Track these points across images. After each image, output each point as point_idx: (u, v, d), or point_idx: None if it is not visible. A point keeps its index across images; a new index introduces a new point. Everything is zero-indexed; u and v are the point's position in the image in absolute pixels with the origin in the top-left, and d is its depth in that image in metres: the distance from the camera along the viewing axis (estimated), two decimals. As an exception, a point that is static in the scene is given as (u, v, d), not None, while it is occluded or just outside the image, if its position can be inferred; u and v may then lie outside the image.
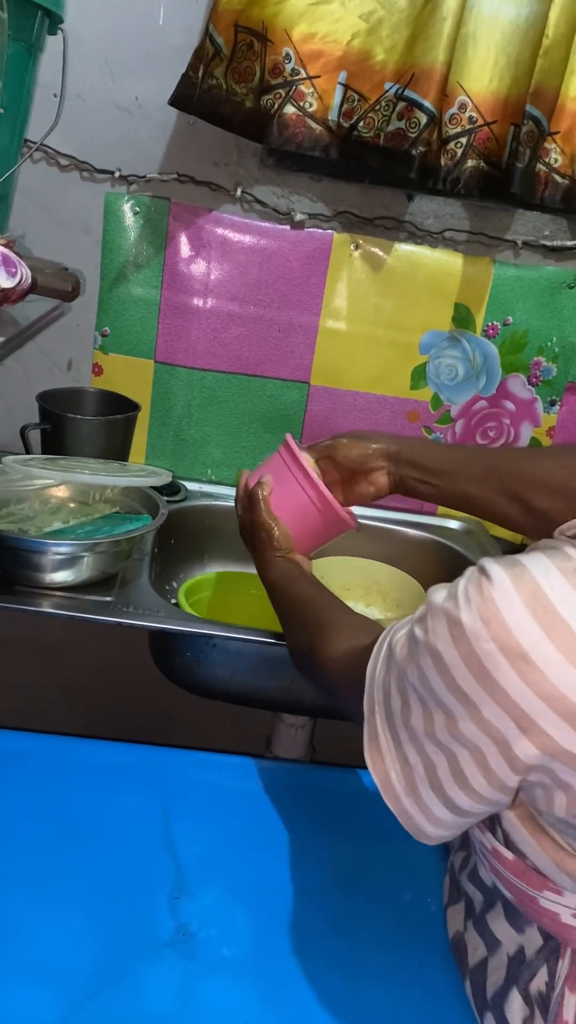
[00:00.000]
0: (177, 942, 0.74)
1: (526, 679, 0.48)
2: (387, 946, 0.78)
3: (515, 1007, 0.67)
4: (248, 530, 0.98)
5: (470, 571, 0.53)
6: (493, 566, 0.51)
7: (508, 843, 0.66)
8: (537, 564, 0.50)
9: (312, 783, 0.98)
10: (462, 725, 0.53)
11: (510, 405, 1.38)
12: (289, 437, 0.98)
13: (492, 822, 0.68)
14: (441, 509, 1.43)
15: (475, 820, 0.60)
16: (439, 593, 0.55)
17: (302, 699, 1.11)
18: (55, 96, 1.19)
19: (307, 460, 0.96)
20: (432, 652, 0.53)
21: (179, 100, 1.12)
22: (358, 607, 1.31)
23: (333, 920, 0.80)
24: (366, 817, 0.93)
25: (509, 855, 0.66)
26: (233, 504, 1.04)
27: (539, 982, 0.67)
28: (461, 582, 0.53)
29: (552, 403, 1.37)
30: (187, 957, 0.73)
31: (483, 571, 0.51)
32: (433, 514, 1.43)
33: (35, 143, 1.17)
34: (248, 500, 0.98)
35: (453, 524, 1.43)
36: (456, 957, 0.76)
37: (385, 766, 0.61)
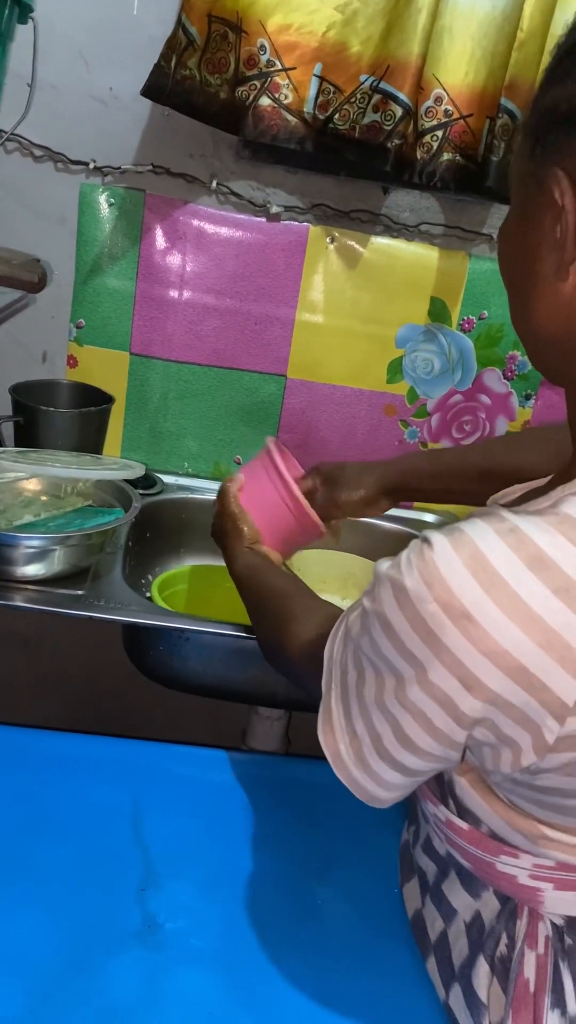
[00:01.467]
0: (144, 933, 0.74)
1: (469, 637, 0.49)
2: (354, 934, 0.79)
3: (481, 974, 0.68)
4: (217, 523, 0.99)
5: (413, 542, 0.54)
6: (434, 534, 0.52)
7: (461, 812, 0.67)
8: (474, 528, 0.51)
9: (284, 775, 0.98)
10: (409, 690, 0.54)
11: (486, 399, 1.38)
12: (269, 440, 1.00)
13: (444, 794, 0.69)
14: (417, 503, 1.43)
15: (427, 777, 0.62)
16: (384, 563, 0.56)
17: (276, 692, 1.11)
18: (28, 85, 1.18)
19: (287, 469, 0.98)
20: (381, 619, 0.55)
21: (152, 91, 1.11)
22: (334, 600, 1.31)
23: (301, 910, 0.80)
24: (337, 808, 0.93)
25: (464, 825, 0.67)
26: (209, 498, 1.05)
27: (501, 947, 0.68)
28: (404, 552, 0.54)
29: (527, 397, 1.37)
30: (154, 948, 0.73)
31: (425, 540, 0.53)
32: (410, 507, 1.43)
33: (5, 132, 1.16)
34: (218, 494, 0.99)
35: (429, 517, 1.43)
36: (416, 936, 0.77)
37: (335, 740, 0.62)
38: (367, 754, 0.59)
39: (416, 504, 1.43)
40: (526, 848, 0.64)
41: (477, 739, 0.55)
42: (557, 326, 0.58)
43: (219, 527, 0.99)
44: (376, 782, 0.60)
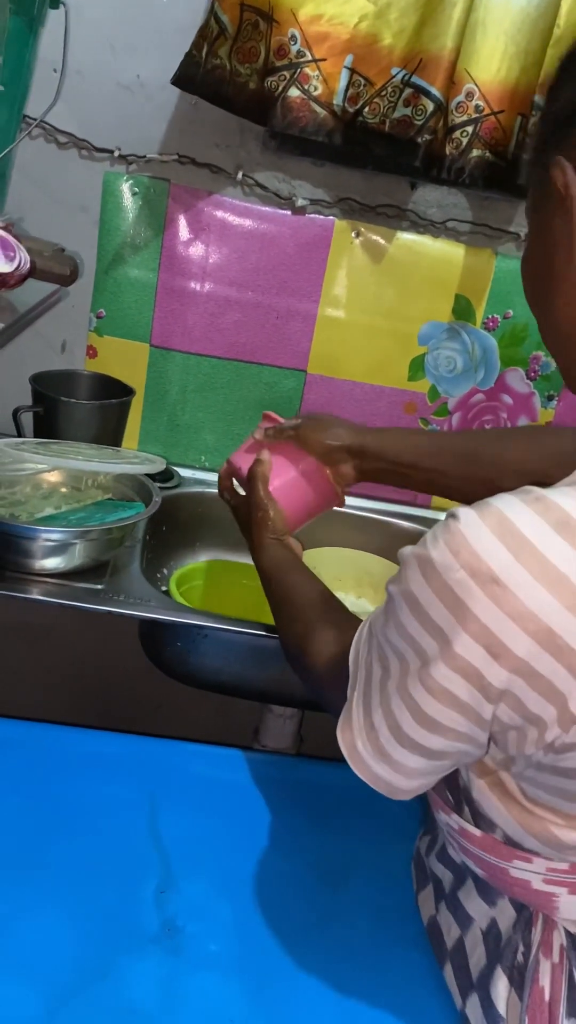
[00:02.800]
0: (163, 937, 0.74)
1: (497, 601, 0.50)
2: (369, 940, 0.78)
3: (500, 986, 0.68)
4: (244, 511, 0.96)
5: (439, 522, 0.54)
6: (459, 508, 0.53)
7: (475, 819, 0.67)
8: (500, 499, 0.52)
9: (300, 777, 0.97)
10: (434, 668, 0.53)
11: (508, 399, 1.37)
12: (270, 414, 0.97)
13: (458, 801, 0.69)
14: (436, 501, 1.42)
15: (451, 764, 0.60)
16: (407, 548, 0.56)
17: (291, 691, 1.10)
18: (55, 72, 1.16)
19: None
20: (407, 597, 0.55)
21: (182, 80, 1.10)
22: (349, 598, 1.30)
23: (317, 915, 0.80)
24: (353, 812, 0.92)
25: (477, 832, 0.67)
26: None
27: (518, 956, 0.68)
28: (430, 531, 0.54)
29: (550, 398, 1.36)
30: (173, 953, 0.73)
31: (450, 515, 0.53)
32: (428, 506, 1.42)
33: (35, 119, 1.14)
34: (248, 479, 0.96)
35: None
36: (432, 942, 0.77)
37: (352, 736, 0.61)
38: (385, 744, 0.59)
39: (434, 502, 1.42)
40: (538, 850, 0.63)
41: (502, 721, 0.54)
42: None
43: (246, 516, 0.95)
44: (397, 771, 0.60)
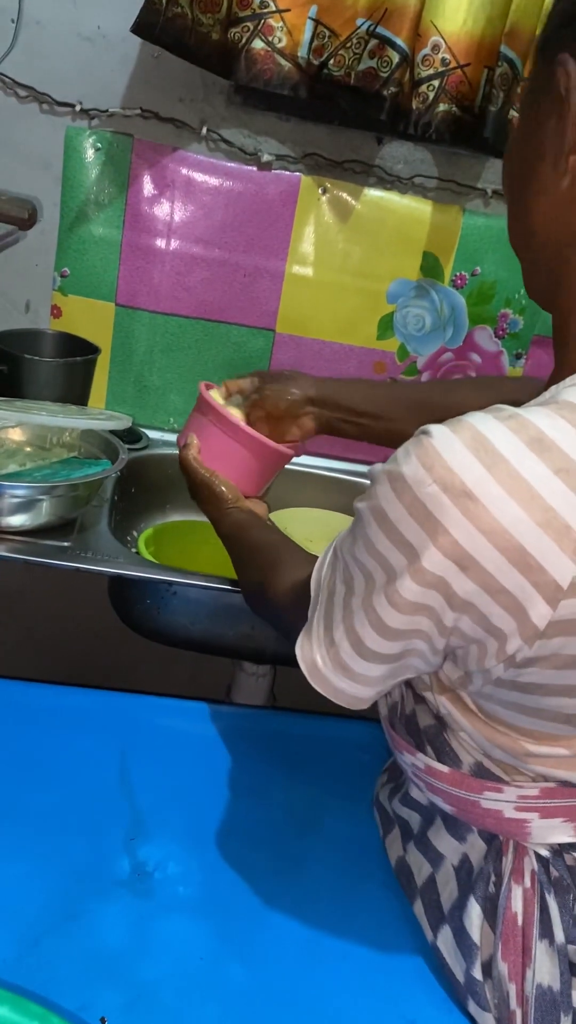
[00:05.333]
0: (133, 881, 0.74)
1: (469, 515, 0.49)
2: (338, 881, 0.79)
3: (473, 915, 0.69)
4: (193, 492, 0.97)
5: (409, 440, 0.54)
6: (431, 426, 0.52)
7: (440, 756, 0.68)
8: (474, 416, 0.52)
9: (270, 727, 0.98)
10: (400, 583, 0.53)
11: (476, 357, 1.37)
12: (201, 387, 0.97)
13: (420, 742, 0.70)
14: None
15: (408, 666, 0.60)
16: (377, 465, 0.56)
17: (262, 647, 1.11)
18: (12, 21, 1.14)
19: (224, 404, 0.96)
20: (376, 513, 0.54)
21: (142, 28, 1.08)
22: (320, 558, 1.31)
23: (287, 859, 0.80)
24: (322, 759, 0.93)
25: (444, 768, 0.68)
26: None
27: (490, 886, 0.69)
28: (400, 448, 0.54)
29: (518, 356, 1.37)
30: (142, 896, 0.73)
31: (422, 431, 0.52)
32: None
33: (-9, 69, 1.12)
34: (180, 465, 0.96)
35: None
36: (401, 881, 0.78)
37: (312, 651, 0.62)
38: (347, 659, 0.59)
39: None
40: (508, 779, 0.65)
41: (465, 633, 0.54)
42: (553, 227, 0.59)
43: (197, 496, 0.96)
44: (358, 681, 0.60)
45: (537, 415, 0.51)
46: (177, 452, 0.96)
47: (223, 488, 0.94)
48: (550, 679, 0.55)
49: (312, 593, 0.64)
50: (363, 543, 0.56)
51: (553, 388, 0.57)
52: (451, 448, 0.50)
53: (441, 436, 0.51)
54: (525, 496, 0.49)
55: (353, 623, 0.58)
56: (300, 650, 0.62)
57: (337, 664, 0.60)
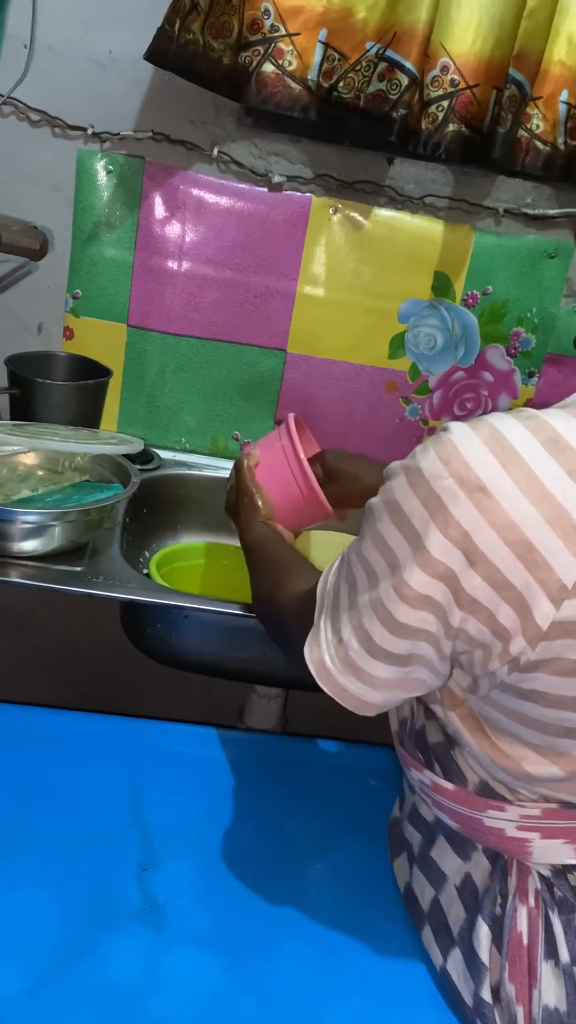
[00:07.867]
0: (145, 913, 0.74)
1: (481, 508, 0.51)
2: (349, 912, 0.79)
3: (481, 935, 0.69)
4: (231, 496, 1.00)
5: (429, 437, 0.56)
6: (451, 422, 0.54)
7: (447, 774, 0.69)
8: (494, 415, 0.54)
9: (281, 753, 0.98)
10: (408, 574, 0.54)
11: (488, 376, 1.37)
12: (292, 418, 1.00)
13: (428, 760, 0.70)
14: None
15: (417, 672, 0.60)
16: (395, 462, 0.57)
17: (274, 670, 1.10)
18: (25, 47, 1.15)
19: (303, 447, 0.99)
20: (389, 505, 0.55)
21: (155, 55, 1.08)
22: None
23: (298, 889, 0.80)
24: (335, 786, 0.93)
25: (449, 785, 0.69)
26: (206, 474, 1.04)
27: (496, 907, 0.69)
28: (419, 445, 0.55)
29: (530, 375, 1.36)
30: (154, 928, 0.73)
31: (442, 428, 0.54)
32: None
33: (2, 95, 1.13)
34: (234, 469, 1.00)
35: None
36: (409, 908, 0.79)
37: (320, 652, 0.62)
38: (355, 657, 0.60)
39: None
40: (511, 798, 0.65)
41: (471, 636, 0.55)
42: None
43: (234, 501, 0.99)
44: (366, 682, 0.61)
45: (555, 417, 0.52)
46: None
47: (261, 503, 0.96)
48: (552, 687, 0.56)
49: (318, 598, 0.65)
50: (371, 538, 0.57)
51: (574, 396, 0.59)
52: (469, 444, 0.51)
53: (460, 432, 0.52)
54: (537, 494, 0.50)
55: (362, 620, 0.58)
56: (308, 651, 0.63)
57: (345, 663, 0.61)
